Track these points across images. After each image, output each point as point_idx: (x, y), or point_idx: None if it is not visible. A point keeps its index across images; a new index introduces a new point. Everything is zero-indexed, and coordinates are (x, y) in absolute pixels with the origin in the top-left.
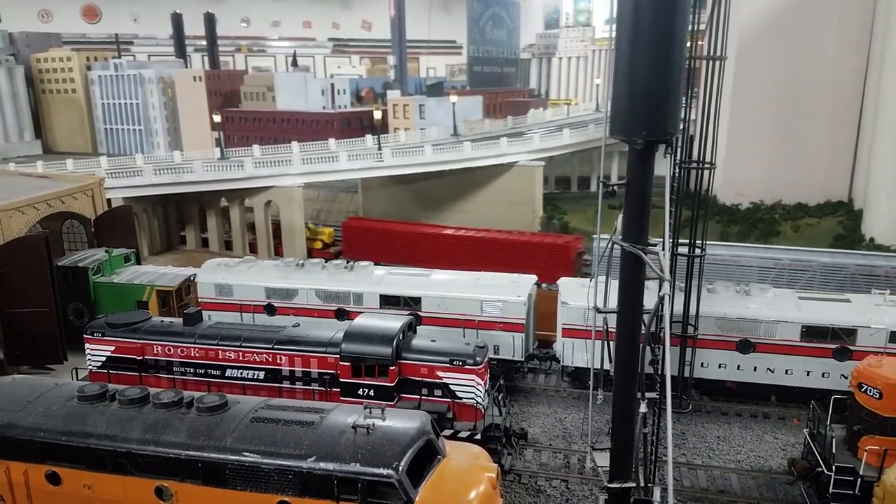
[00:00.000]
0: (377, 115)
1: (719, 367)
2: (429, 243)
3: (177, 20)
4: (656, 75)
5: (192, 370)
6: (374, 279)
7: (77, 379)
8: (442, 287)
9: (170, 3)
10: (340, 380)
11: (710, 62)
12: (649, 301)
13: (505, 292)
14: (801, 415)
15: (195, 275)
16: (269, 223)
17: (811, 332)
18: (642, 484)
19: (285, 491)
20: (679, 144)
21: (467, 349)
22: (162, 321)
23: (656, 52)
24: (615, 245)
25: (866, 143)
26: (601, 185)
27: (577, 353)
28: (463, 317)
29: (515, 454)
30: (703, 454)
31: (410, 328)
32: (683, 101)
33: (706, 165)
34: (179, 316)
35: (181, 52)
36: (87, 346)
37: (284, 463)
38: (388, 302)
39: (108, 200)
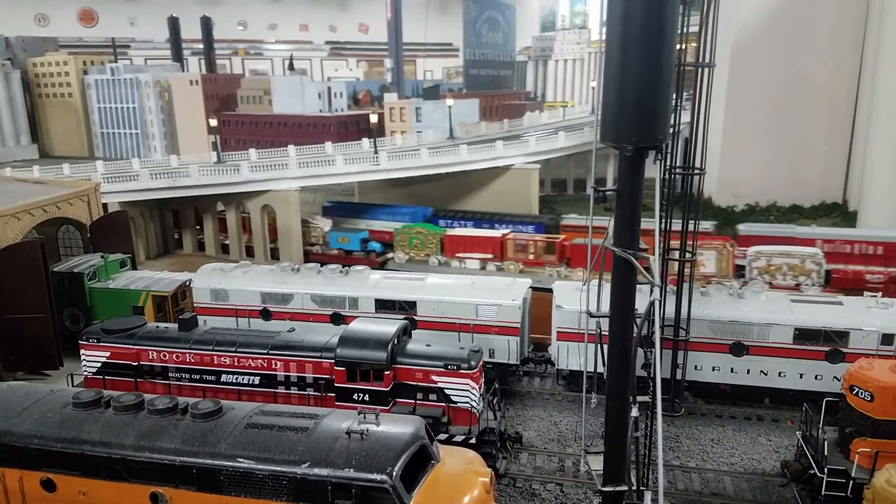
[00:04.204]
0: (374, 118)
1: (713, 369)
2: None
3: (173, 24)
4: (646, 83)
5: (187, 376)
6: (370, 283)
7: (73, 385)
8: (437, 291)
9: (167, 6)
10: (335, 385)
11: (701, 69)
12: (642, 305)
13: (500, 296)
14: (794, 417)
15: (191, 280)
16: (266, 226)
17: (804, 335)
18: (635, 487)
19: (280, 497)
20: (669, 150)
21: (462, 353)
22: (157, 327)
23: (646, 60)
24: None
25: (861, 144)
26: (593, 190)
27: (572, 357)
28: (458, 321)
29: (510, 458)
30: (696, 457)
31: (405, 332)
32: (674, 107)
33: (696, 171)
34: (175, 321)
35: (178, 56)
36: (82, 351)
37: (279, 469)
38: (384, 306)
39: (105, 205)
